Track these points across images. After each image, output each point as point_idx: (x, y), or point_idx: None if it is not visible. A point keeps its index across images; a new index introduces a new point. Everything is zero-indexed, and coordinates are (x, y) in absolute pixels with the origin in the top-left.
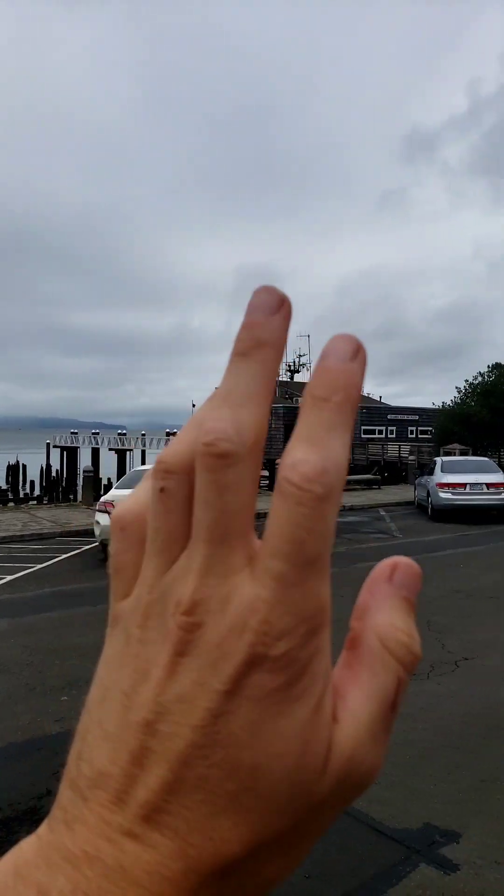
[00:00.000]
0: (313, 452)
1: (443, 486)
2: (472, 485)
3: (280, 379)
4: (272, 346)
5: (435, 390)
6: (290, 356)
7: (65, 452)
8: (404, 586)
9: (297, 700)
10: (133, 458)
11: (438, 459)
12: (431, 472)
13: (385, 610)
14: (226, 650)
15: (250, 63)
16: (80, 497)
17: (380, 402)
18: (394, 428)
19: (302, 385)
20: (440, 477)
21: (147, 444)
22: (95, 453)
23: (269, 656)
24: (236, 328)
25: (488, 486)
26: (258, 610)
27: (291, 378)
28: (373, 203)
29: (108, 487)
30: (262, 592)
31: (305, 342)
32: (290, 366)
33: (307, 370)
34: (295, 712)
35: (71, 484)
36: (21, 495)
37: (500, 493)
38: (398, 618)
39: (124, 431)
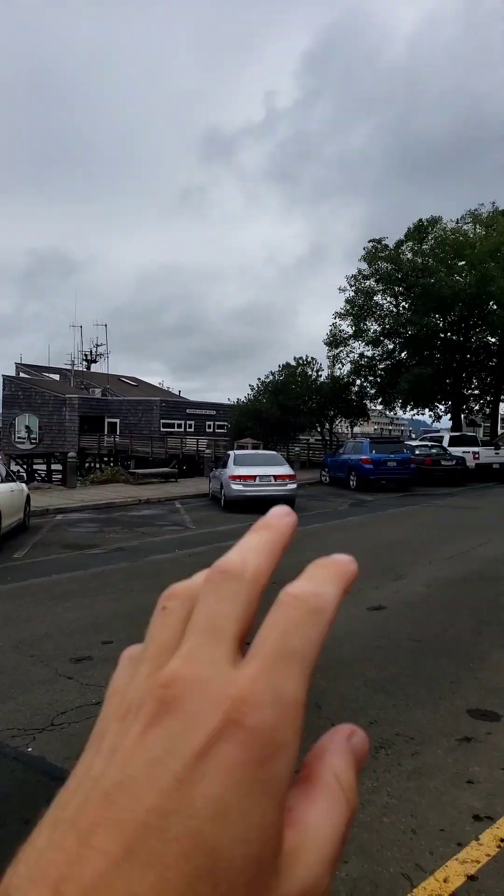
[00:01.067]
0: (312, 584)
1: (235, 478)
2: (262, 477)
3: (76, 369)
4: (278, 530)
5: (231, 387)
6: (86, 345)
7: None
8: (358, 751)
9: (265, 784)
10: None
11: (231, 453)
12: (225, 465)
13: (342, 759)
14: (200, 718)
15: (44, 36)
16: None
17: (179, 396)
18: (192, 422)
19: (98, 375)
20: (232, 469)
21: None
22: None
23: (244, 725)
24: (28, 312)
25: (276, 478)
26: (237, 683)
27: (88, 368)
28: (173, 198)
29: None
30: (245, 670)
31: (103, 331)
32: (86, 355)
33: (105, 360)
34: (262, 798)
35: None
36: None
37: (286, 485)
38: (350, 769)
39: None
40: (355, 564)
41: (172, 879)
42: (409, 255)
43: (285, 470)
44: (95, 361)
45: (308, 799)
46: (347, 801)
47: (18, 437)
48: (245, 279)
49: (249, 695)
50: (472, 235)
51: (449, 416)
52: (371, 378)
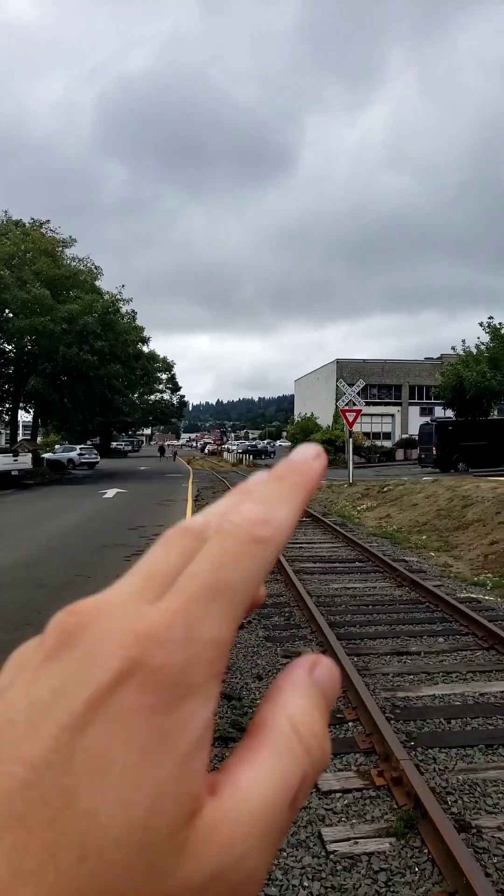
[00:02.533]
0: (262, 507)
1: None
2: None
3: None
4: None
5: None
6: None
7: None
8: (325, 685)
9: (165, 736)
10: None
11: None
12: None
13: (302, 697)
14: (100, 654)
15: None
16: None
17: None
18: None
19: None
20: None
21: None
22: None
23: (145, 665)
24: None
25: None
26: (150, 616)
27: None
28: None
29: None
30: (163, 603)
31: None
32: None
33: None
34: (157, 751)
35: None
36: None
37: None
38: (314, 709)
39: None
40: (321, 460)
41: (32, 848)
42: None
43: None
44: None
45: (248, 754)
46: (307, 751)
47: None
48: None
49: (157, 630)
50: None
51: None
52: None
